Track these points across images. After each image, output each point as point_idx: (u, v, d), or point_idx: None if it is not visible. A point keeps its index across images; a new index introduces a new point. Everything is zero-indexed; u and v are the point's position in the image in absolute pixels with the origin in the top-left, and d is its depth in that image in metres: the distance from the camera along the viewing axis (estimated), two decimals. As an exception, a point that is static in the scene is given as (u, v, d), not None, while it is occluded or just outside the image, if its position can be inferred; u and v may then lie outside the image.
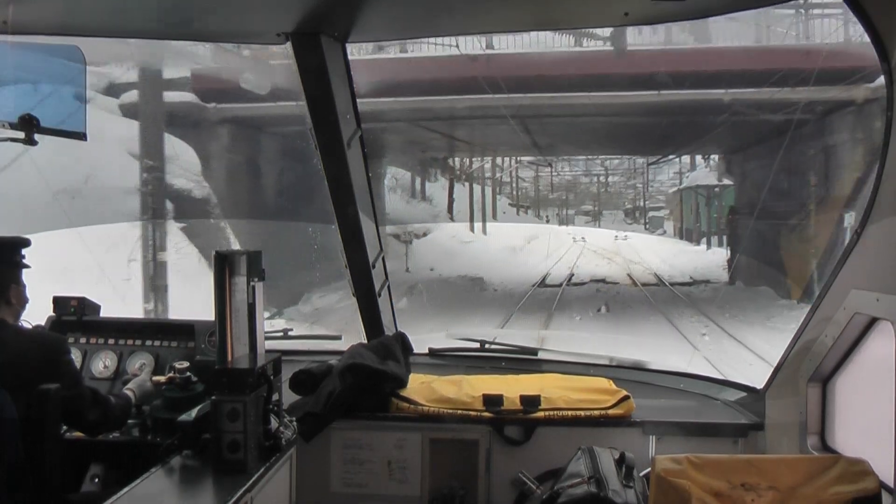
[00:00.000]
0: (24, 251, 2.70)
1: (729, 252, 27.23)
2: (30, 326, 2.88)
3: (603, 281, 25.44)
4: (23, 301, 2.70)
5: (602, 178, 61.40)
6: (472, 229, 37.24)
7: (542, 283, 25.52)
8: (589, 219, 69.65)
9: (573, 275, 27.74)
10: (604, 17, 3.04)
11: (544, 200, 67.24)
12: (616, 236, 54.38)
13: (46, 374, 2.54)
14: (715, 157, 36.13)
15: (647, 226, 65.38)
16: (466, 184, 40.12)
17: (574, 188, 67.29)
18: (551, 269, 29.42)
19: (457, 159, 39.03)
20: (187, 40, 3.84)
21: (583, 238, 50.82)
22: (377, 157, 25.06)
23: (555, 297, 20.64)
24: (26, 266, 2.71)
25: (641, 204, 69.78)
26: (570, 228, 59.74)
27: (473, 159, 39.50)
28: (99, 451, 2.97)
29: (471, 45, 17.64)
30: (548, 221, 61.86)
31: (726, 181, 34.09)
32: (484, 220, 40.01)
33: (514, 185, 56.34)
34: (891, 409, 2.08)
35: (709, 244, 37.23)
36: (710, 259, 31.02)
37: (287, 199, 18.77)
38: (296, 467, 2.90)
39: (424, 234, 30.44)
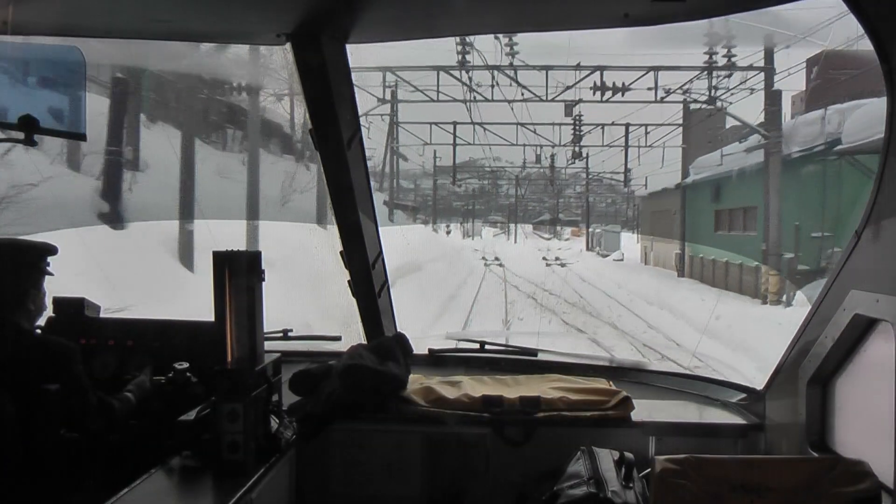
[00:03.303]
0: (49, 259, 2.74)
1: None
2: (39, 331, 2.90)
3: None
4: (40, 308, 2.75)
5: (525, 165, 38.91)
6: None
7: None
8: (497, 230, 56.57)
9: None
10: (603, 18, 3.05)
11: (447, 209, 51.40)
12: (545, 258, 35.58)
13: (54, 381, 2.55)
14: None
15: (599, 247, 44.45)
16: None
17: (480, 195, 51.73)
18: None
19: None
20: (187, 41, 3.83)
21: (497, 259, 33.95)
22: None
23: None
24: (49, 273, 2.73)
25: (573, 212, 51.79)
26: (478, 243, 45.20)
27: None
28: (99, 451, 2.97)
29: None
30: (449, 233, 46.02)
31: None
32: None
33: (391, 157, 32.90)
34: (891, 409, 2.08)
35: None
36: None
37: None
38: (295, 468, 2.90)
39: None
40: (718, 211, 27.66)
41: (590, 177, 39.81)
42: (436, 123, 30.26)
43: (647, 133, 29.71)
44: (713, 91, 23.08)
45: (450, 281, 22.86)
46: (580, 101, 25.39)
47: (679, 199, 30.52)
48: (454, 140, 31.24)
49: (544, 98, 24.59)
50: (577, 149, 32.41)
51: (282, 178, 21.63)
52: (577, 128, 30.09)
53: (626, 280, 26.76)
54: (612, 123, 29.70)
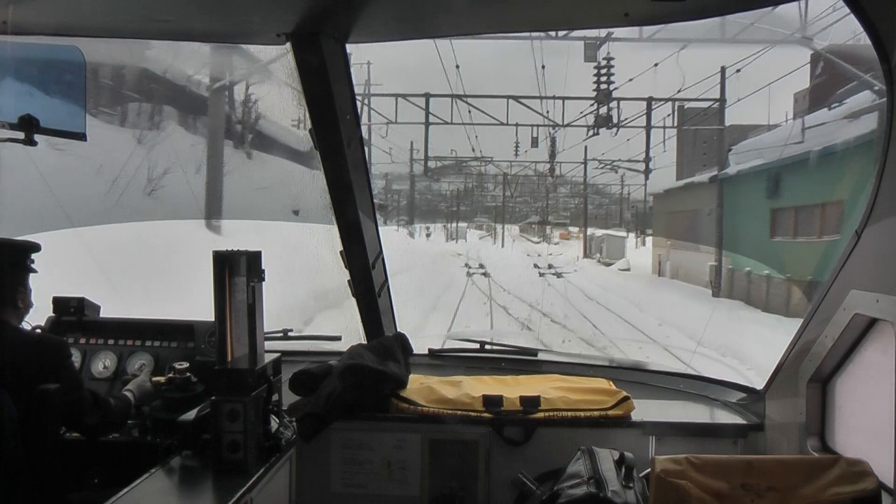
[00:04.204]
0: (33, 256, 2.74)
1: None
2: (31, 329, 2.90)
3: None
4: (28, 305, 2.76)
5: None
6: None
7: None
8: (483, 233, 53.60)
9: None
10: (603, 17, 3.05)
11: (431, 211, 47.96)
12: (537, 265, 32.25)
13: (47, 378, 2.55)
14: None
15: (600, 254, 38.60)
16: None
17: (465, 196, 47.49)
18: None
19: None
20: (187, 41, 3.84)
21: (481, 267, 30.21)
22: None
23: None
24: (34, 271, 2.74)
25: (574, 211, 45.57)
26: (461, 246, 41.81)
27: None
28: (99, 451, 2.97)
29: None
30: (429, 236, 42.77)
31: None
32: None
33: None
34: (891, 409, 2.08)
35: None
36: None
37: None
38: (295, 468, 2.90)
39: None
40: (777, 210, 20.25)
41: (602, 166, 31.69)
42: (403, 96, 22.26)
43: (674, 110, 22.13)
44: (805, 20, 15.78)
45: (417, 303, 16.39)
46: (609, 37, 17.55)
47: (710, 196, 23.10)
48: (426, 118, 22.68)
49: (555, 34, 17.32)
50: (603, 113, 21.13)
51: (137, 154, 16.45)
52: (605, 78, 19.49)
53: (646, 300, 20.44)
54: (614, 98, 21.04)
